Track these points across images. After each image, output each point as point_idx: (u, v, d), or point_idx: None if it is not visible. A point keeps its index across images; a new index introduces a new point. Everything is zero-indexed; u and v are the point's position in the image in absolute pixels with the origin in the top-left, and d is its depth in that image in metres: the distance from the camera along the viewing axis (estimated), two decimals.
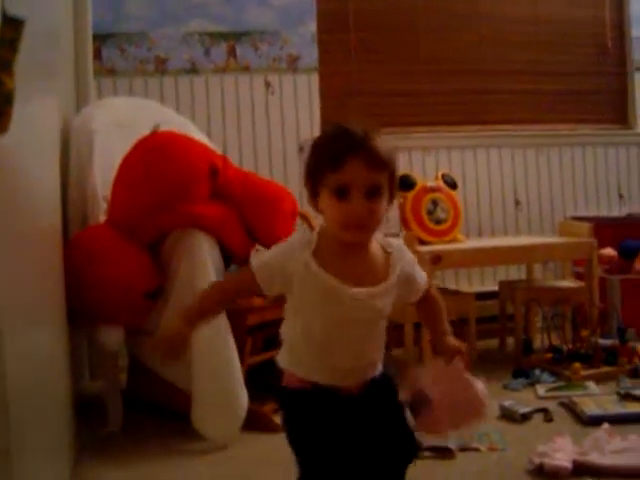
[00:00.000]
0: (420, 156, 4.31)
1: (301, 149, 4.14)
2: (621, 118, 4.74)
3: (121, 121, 3.23)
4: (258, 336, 2.96)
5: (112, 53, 4.02)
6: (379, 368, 1.64)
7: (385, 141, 1.53)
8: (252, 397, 2.75)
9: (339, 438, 1.53)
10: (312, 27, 4.20)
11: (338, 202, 1.49)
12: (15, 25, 1.34)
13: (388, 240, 1.62)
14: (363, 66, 4.32)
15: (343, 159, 1.47)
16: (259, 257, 1.59)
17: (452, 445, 2.53)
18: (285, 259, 1.55)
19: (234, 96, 4.11)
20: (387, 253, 1.60)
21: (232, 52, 4.13)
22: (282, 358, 1.62)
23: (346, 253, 1.55)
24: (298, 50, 4.17)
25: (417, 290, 1.65)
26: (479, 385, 1.61)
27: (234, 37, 4.13)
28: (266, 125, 4.14)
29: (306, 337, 1.56)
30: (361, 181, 1.47)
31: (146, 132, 2.94)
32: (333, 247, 1.55)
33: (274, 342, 3.09)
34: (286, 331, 1.61)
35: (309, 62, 4.19)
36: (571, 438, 2.50)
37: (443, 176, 3.91)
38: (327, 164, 1.50)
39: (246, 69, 4.14)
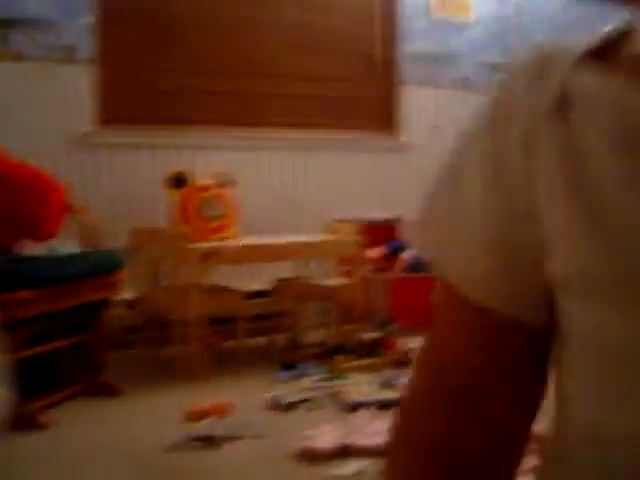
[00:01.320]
0: (196, 154, 4.33)
1: (71, 141, 4.05)
2: (387, 126, 5.03)
3: None
4: (25, 330, 2.87)
5: None
6: None
7: None
8: (20, 394, 2.67)
9: None
10: (90, 18, 4.11)
11: None
12: None
13: None
14: (141, 61, 4.29)
15: None
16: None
17: (218, 434, 2.60)
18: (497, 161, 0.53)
19: (6, 84, 3.94)
20: None
21: (5, 39, 3.96)
22: None
23: None
24: (74, 41, 4.07)
25: None
26: None
27: (8, 24, 3.96)
28: (38, 116, 4.00)
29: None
30: None
31: None
32: None
33: (45, 337, 3.03)
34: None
35: (85, 53, 4.09)
36: (336, 423, 2.65)
37: (218, 175, 3.97)
38: None
39: (19, 57, 3.98)
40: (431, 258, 0.57)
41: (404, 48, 5.04)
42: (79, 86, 4.09)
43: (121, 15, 4.24)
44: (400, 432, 0.60)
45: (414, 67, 5.08)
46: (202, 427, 2.68)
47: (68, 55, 4.07)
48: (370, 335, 3.73)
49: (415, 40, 5.08)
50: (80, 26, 4.08)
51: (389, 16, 5.01)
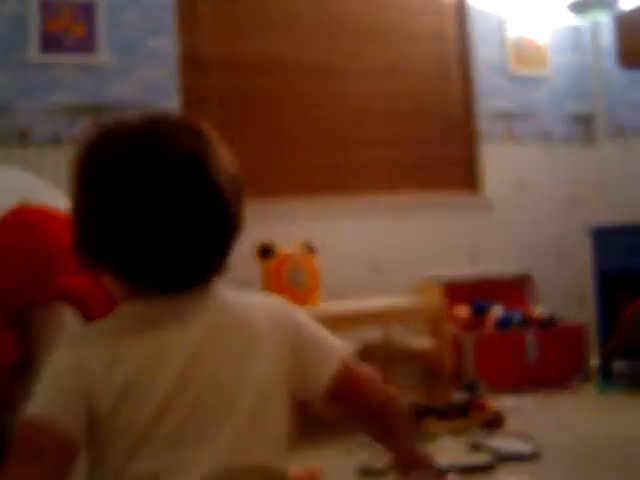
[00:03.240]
0: (281, 223, 4.45)
1: None
2: (469, 185, 5.06)
3: None
4: None
5: None
6: None
7: None
8: None
9: None
10: (175, 101, 4.32)
11: None
12: None
13: None
14: (227, 138, 4.44)
15: None
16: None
17: None
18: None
19: None
20: None
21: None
22: None
23: None
24: None
25: None
26: None
27: (97, 109, 4.18)
28: None
29: None
30: None
31: (10, 205, 2.92)
32: None
33: None
34: None
35: None
36: None
37: (303, 243, 4.08)
38: None
39: None
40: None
41: (483, 106, 5.08)
42: None
43: (204, 97, 4.44)
44: None
45: (494, 124, 5.11)
46: None
47: None
48: (460, 396, 3.72)
49: (493, 97, 5.13)
50: (167, 109, 4.28)
51: (466, 75, 5.09)
